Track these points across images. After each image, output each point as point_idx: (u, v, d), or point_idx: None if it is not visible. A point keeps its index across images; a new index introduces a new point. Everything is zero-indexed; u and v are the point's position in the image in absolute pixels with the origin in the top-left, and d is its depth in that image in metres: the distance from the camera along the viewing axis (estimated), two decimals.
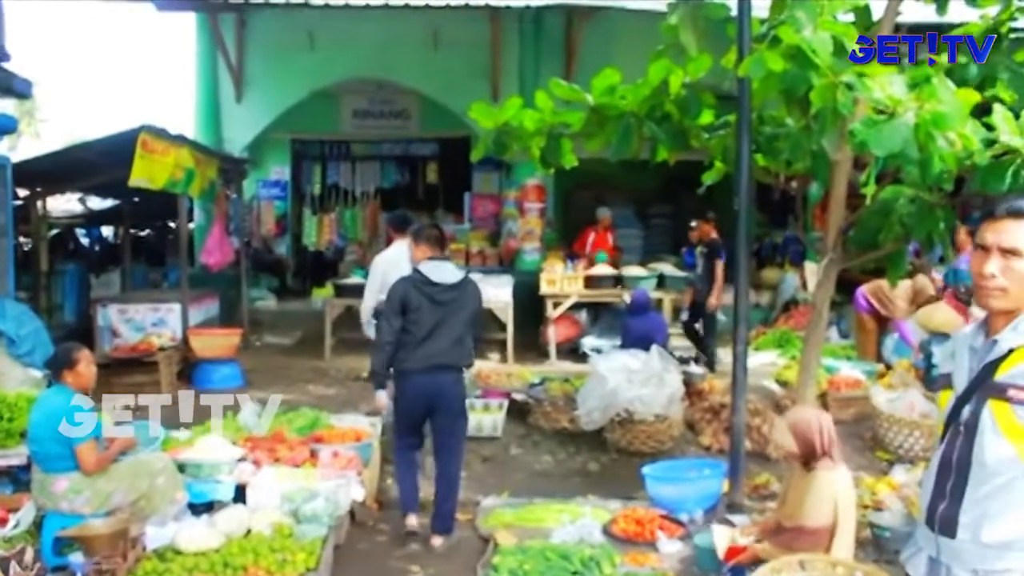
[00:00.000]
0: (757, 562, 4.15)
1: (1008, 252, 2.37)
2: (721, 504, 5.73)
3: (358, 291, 10.45)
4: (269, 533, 4.96)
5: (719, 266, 9.29)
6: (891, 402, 7.13)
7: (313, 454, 6.04)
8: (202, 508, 5.30)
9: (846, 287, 10.51)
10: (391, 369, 5.38)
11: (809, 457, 4.11)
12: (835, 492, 3.98)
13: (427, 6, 10.21)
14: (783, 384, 8.43)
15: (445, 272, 5.36)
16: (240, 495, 5.41)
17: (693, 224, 9.99)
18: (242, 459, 5.74)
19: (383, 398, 5.59)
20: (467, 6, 10.29)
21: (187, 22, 12.51)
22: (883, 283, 8.72)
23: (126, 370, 8.54)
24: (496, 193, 13.34)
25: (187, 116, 12.54)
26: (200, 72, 12.29)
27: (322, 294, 12.01)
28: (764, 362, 9.89)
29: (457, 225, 13.85)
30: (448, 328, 5.31)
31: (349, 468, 5.81)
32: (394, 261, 6.75)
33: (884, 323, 9.51)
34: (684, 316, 10.09)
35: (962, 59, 5.49)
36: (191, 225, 12.36)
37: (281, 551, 4.72)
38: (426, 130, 14.17)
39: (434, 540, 5.44)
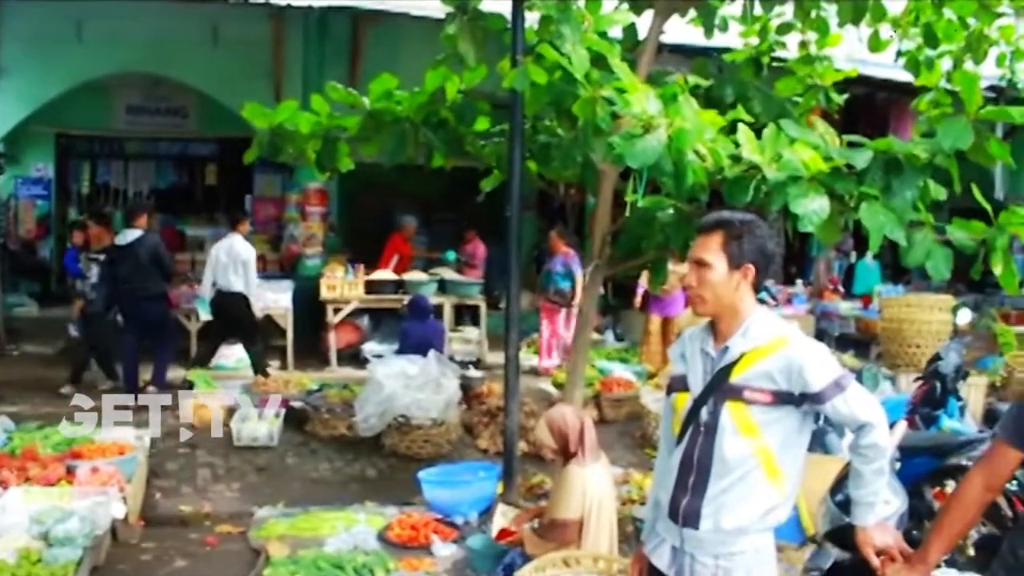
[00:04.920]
0: (523, 550, 4.30)
1: (699, 264, 2.62)
2: (495, 505, 5.84)
3: None
4: (13, 560, 4.60)
5: None
6: (659, 402, 7.49)
7: (70, 471, 5.67)
8: None
9: (628, 292, 10.99)
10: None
11: (565, 452, 4.27)
12: (584, 487, 4.14)
13: None
14: (559, 386, 8.69)
15: (127, 236, 8.32)
16: None
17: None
18: None
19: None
20: (247, 3, 9.96)
21: None
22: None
23: None
24: (278, 196, 12.99)
25: None
26: None
27: None
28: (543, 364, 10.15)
29: None
30: (136, 269, 8.22)
31: (109, 484, 5.50)
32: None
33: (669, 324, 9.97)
34: (73, 330, 8.92)
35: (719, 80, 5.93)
36: None
37: None
38: (205, 129, 13.58)
39: (149, 388, 8.18)
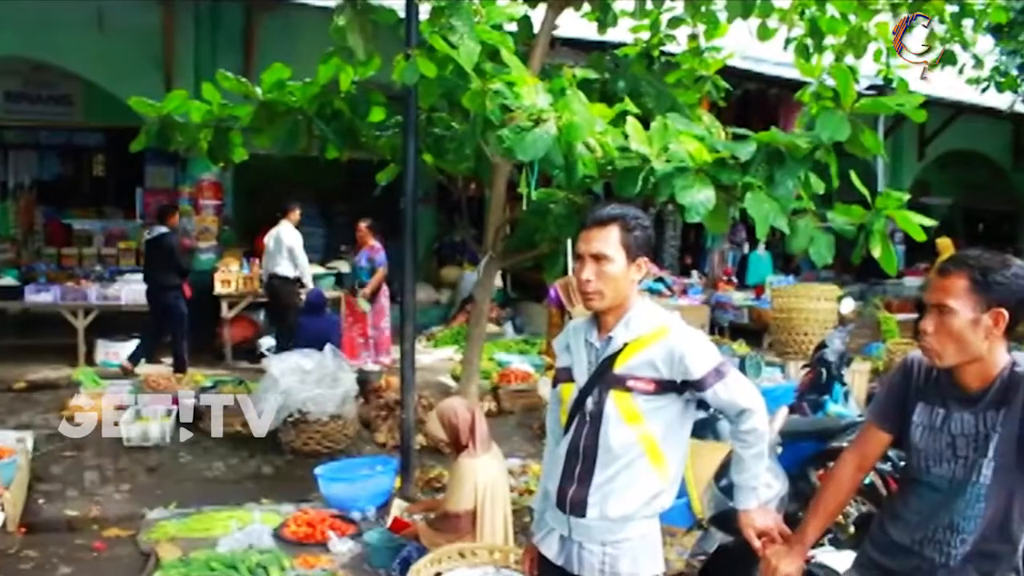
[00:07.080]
0: (420, 543, 4.30)
1: (597, 257, 2.61)
2: (393, 499, 5.82)
3: (9, 293, 9.56)
4: None
5: None
6: None
7: None
8: None
9: (531, 286, 11.07)
10: None
11: (456, 445, 4.29)
12: (475, 478, 4.16)
13: None
14: (458, 379, 8.71)
15: (153, 232, 9.33)
16: None
17: None
18: None
19: None
20: None
21: None
22: (571, 278, 9.15)
23: None
24: (170, 189, 12.60)
25: None
26: None
27: None
28: (442, 358, 10.18)
29: (128, 222, 12.98)
30: (153, 262, 9.30)
31: None
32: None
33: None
34: None
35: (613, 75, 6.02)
36: None
37: None
38: (92, 119, 13.03)
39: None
